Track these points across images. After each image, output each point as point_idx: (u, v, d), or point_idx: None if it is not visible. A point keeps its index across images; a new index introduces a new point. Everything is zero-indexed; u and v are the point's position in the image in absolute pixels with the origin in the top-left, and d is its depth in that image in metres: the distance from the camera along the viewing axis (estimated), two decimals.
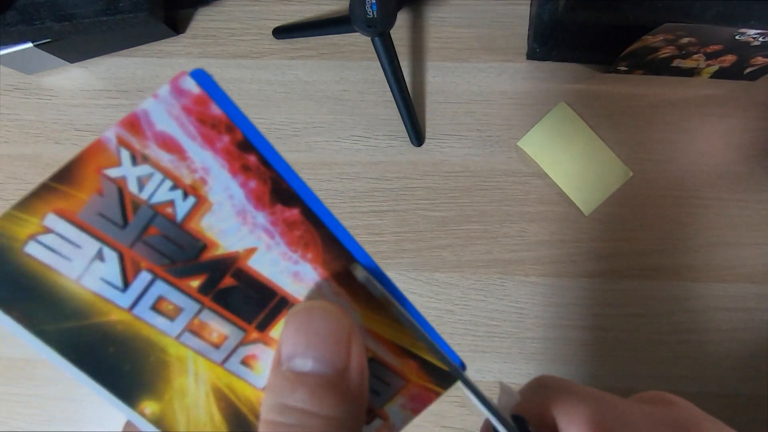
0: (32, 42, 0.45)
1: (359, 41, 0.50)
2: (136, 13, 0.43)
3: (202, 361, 0.15)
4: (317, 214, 0.15)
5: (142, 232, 0.14)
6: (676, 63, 0.45)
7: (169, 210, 0.14)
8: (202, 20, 0.51)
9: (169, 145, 0.13)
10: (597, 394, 0.17)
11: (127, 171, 0.13)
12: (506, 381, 0.36)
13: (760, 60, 0.43)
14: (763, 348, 0.47)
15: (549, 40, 0.47)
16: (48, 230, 0.13)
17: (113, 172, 0.13)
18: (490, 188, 0.48)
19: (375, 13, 0.40)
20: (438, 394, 0.16)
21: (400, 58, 0.45)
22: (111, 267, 0.14)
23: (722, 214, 0.48)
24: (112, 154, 0.13)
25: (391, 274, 0.26)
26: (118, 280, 0.14)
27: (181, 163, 0.13)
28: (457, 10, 0.50)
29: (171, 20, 0.50)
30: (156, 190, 0.14)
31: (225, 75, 0.50)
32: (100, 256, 0.14)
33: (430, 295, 0.48)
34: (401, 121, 0.48)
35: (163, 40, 0.51)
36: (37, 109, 0.51)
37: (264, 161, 0.14)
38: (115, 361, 0.14)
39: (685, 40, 0.41)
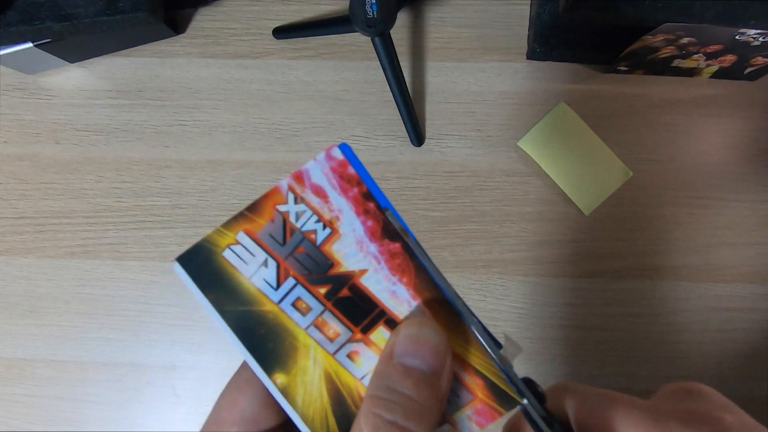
0: (32, 42, 0.45)
1: (359, 41, 0.50)
2: (136, 13, 0.43)
3: (320, 350, 0.19)
4: (413, 249, 0.20)
5: (294, 249, 0.19)
6: (676, 63, 0.45)
7: (312, 236, 0.19)
8: (202, 20, 0.51)
9: (318, 192, 0.19)
10: (599, 391, 0.19)
11: (291, 207, 0.19)
12: None
13: (760, 60, 0.43)
14: (763, 348, 0.47)
15: (549, 40, 0.47)
16: (238, 242, 0.19)
17: (282, 207, 0.19)
18: (490, 188, 0.48)
19: (375, 13, 0.40)
20: (500, 414, 0.20)
21: (400, 58, 0.45)
22: (271, 272, 0.19)
23: (722, 214, 0.48)
24: (283, 195, 0.19)
25: None
26: (274, 282, 0.19)
27: (325, 205, 0.19)
28: (457, 10, 0.50)
29: (171, 20, 0.50)
30: (306, 221, 0.19)
31: (225, 75, 0.50)
32: (265, 263, 0.19)
33: None
34: (401, 121, 0.48)
35: (163, 40, 0.51)
36: (37, 109, 0.51)
37: (379, 207, 0.20)
38: (264, 340, 0.19)
39: (685, 40, 0.41)
